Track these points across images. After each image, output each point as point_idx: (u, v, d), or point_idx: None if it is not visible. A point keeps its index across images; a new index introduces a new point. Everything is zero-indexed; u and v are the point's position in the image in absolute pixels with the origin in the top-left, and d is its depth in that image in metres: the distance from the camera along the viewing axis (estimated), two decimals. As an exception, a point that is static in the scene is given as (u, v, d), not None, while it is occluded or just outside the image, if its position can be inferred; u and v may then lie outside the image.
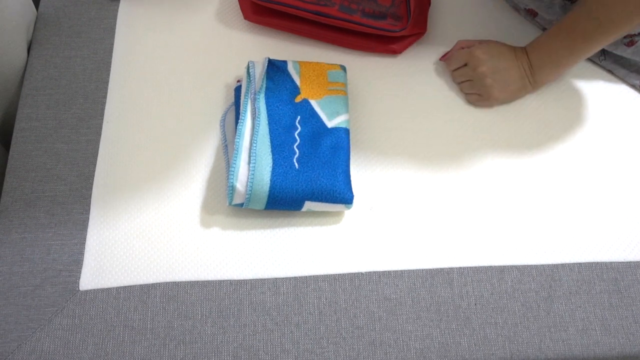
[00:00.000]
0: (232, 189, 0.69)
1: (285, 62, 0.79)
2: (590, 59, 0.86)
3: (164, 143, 0.77)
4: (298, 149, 0.73)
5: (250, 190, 0.69)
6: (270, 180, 0.69)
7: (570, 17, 0.73)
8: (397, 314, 0.68)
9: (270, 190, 0.69)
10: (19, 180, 0.74)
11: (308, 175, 0.70)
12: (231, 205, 0.71)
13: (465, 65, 0.80)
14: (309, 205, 0.70)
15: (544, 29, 0.88)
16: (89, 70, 0.82)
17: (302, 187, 0.70)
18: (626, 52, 0.82)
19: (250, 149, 0.71)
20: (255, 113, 0.74)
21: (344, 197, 0.70)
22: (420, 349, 0.67)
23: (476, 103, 0.81)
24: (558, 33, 0.75)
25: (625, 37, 0.81)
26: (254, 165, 0.70)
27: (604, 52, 0.85)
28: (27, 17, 0.85)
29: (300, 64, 0.79)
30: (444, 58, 0.84)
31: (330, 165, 0.72)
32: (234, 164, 0.70)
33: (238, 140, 0.72)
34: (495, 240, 0.73)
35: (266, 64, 0.77)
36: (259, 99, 0.75)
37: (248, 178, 0.69)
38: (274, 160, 0.71)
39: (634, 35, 0.80)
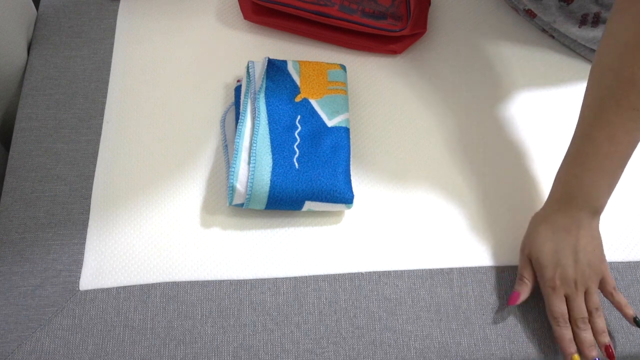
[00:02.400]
0: (232, 189, 0.69)
1: (285, 61, 0.79)
2: (589, 60, 0.86)
3: (164, 143, 0.77)
4: (298, 148, 0.73)
5: (251, 191, 0.69)
6: (271, 181, 0.69)
7: (598, 119, 0.60)
8: (397, 314, 0.68)
9: (270, 191, 0.69)
10: (19, 180, 0.74)
11: (308, 175, 0.71)
12: (231, 205, 0.71)
13: (566, 296, 0.65)
14: (309, 205, 0.70)
15: (543, 30, 0.88)
16: (89, 70, 0.82)
17: (302, 187, 0.70)
18: None
19: (250, 148, 0.71)
20: (255, 113, 0.74)
21: (345, 196, 0.70)
22: (420, 349, 0.67)
23: (611, 288, 0.66)
24: (597, 150, 0.62)
25: None
26: (254, 165, 0.70)
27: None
28: (27, 17, 0.85)
29: (300, 64, 0.79)
30: (518, 298, 0.67)
31: (330, 165, 0.72)
32: (234, 164, 0.70)
33: (238, 140, 0.72)
34: (495, 240, 0.73)
35: (266, 64, 0.77)
36: (258, 98, 0.75)
37: (248, 178, 0.69)
38: (274, 160, 0.71)
39: None
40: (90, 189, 0.74)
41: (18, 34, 0.82)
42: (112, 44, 0.85)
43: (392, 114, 0.81)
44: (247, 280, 0.69)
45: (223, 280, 0.69)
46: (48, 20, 0.87)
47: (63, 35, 0.85)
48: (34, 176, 0.74)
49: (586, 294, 0.64)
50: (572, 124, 0.81)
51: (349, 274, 0.70)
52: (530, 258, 0.67)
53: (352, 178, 0.74)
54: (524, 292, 0.67)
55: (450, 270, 0.71)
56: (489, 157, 0.78)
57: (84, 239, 0.71)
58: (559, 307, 0.64)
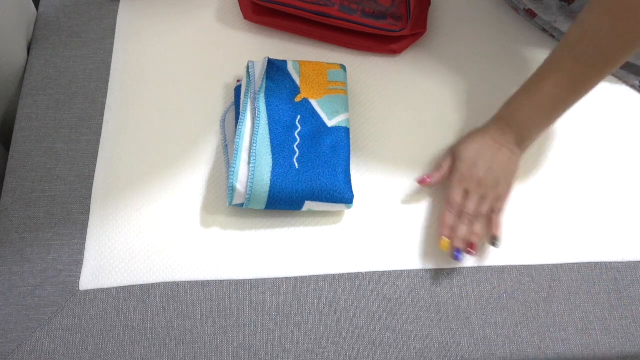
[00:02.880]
0: (232, 189, 0.69)
1: (285, 61, 0.79)
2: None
3: (164, 143, 0.77)
4: (298, 148, 0.73)
5: (251, 191, 0.69)
6: (271, 181, 0.69)
7: (552, 63, 0.67)
8: (397, 314, 0.68)
9: (270, 191, 0.69)
10: (19, 180, 0.74)
11: (308, 175, 0.71)
12: (231, 205, 0.71)
13: (466, 192, 0.71)
14: (309, 205, 0.70)
15: (543, 30, 0.88)
16: (89, 70, 0.82)
17: (302, 187, 0.70)
18: None
19: (250, 148, 0.71)
20: (255, 113, 0.74)
21: (344, 196, 0.70)
22: (420, 349, 0.67)
23: (503, 208, 0.72)
24: (540, 84, 0.68)
25: None
26: (253, 165, 0.70)
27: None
28: (27, 17, 0.85)
29: (300, 64, 0.79)
30: (425, 181, 0.74)
31: (330, 165, 0.72)
32: (234, 164, 0.70)
33: (238, 140, 0.72)
34: (495, 240, 0.73)
35: (266, 64, 0.77)
36: (258, 98, 0.75)
37: (248, 178, 0.69)
38: (274, 160, 0.71)
39: None
40: (90, 189, 0.74)
41: (18, 34, 0.82)
42: (112, 44, 0.85)
43: (392, 114, 0.81)
44: (247, 280, 0.69)
45: (223, 280, 0.69)
46: (48, 20, 0.87)
47: (63, 35, 0.85)
48: (34, 176, 0.74)
49: (480, 200, 0.71)
50: (571, 123, 0.81)
51: (349, 274, 0.70)
52: (454, 153, 0.73)
53: (352, 178, 0.74)
54: (435, 177, 0.73)
55: (450, 270, 0.71)
56: (489, 157, 0.78)
57: (84, 239, 0.71)
58: (458, 197, 0.71)
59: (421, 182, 0.74)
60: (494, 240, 0.70)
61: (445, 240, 0.70)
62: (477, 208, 0.71)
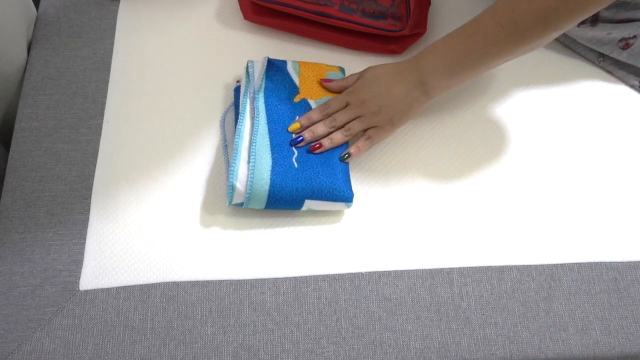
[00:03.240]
0: (232, 188, 0.69)
1: (284, 61, 0.79)
2: (589, 60, 0.87)
3: (164, 143, 0.77)
4: (297, 148, 0.73)
5: (250, 190, 0.69)
6: (270, 179, 0.69)
7: (473, 20, 0.68)
8: (397, 314, 0.68)
9: (270, 189, 0.69)
10: (19, 180, 0.74)
11: (307, 174, 0.71)
12: (231, 204, 0.71)
13: (347, 105, 0.74)
14: (309, 204, 0.70)
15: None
16: (89, 70, 0.82)
17: (301, 185, 0.70)
18: (622, 56, 0.82)
19: (249, 148, 0.71)
20: (255, 112, 0.74)
21: (344, 195, 0.70)
22: (420, 349, 0.67)
23: (375, 137, 0.74)
24: (456, 36, 0.69)
25: (620, 41, 0.81)
26: (253, 164, 0.70)
27: (602, 54, 0.85)
28: (27, 17, 0.85)
29: (299, 64, 0.79)
30: (326, 81, 0.78)
31: (329, 164, 0.72)
32: (234, 163, 0.70)
33: (237, 139, 0.72)
34: (495, 240, 0.73)
35: (265, 64, 0.77)
36: (258, 98, 0.75)
37: (248, 177, 0.69)
38: (273, 159, 0.71)
39: (629, 38, 0.80)
40: (90, 189, 0.74)
41: (18, 34, 0.82)
42: (112, 44, 0.85)
43: (392, 114, 0.81)
44: (247, 280, 0.69)
45: (223, 280, 0.69)
46: (48, 20, 0.87)
47: (63, 35, 0.85)
48: (34, 176, 0.74)
49: (356, 119, 0.73)
50: (572, 120, 0.81)
51: (349, 274, 0.70)
52: (362, 72, 0.76)
53: (351, 178, 0.74)
54: (335, 82, 0.77)
55: (450, 270, 0.71)
56: (489, 157, 0.78)
57: (84, 239, 0.71)
58: (335, 103, 0.74)
59: (323, 80, 0.77)
60: (344, 155, 0.73)
61: (296, 125, 0.73)
62: (347, 122, 0.73)
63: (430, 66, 0.71)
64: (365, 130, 0.74)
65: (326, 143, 0.73)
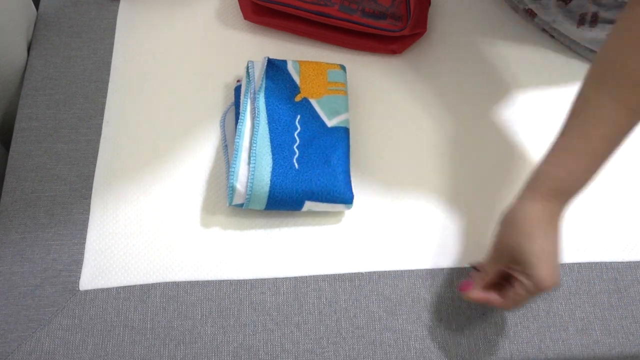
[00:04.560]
0: (232, 189, 0.69)
1: (284, 61, 0.79)
2: (589, 60, 0.86)
3: (164, 143, 0.77)
4: (298, 149, 0.73)
5: (250, 191, 0.69)
6: (270, 181, 0.69)
7: (589, 115, 0.57)
8: (397, 314, 0.68)
9: (270, 191, 0.69)
10: (19, 180, 0.74)
11: (308, 175, 0.71)
12: (231, 205, 0.71)
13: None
14: (309, 205, 0.70)
15: (543, 30, 0.88)
16: (89, 70, 0.82)
17: (302, 187, 0.70)
18: None
19: (250, 149, 0.71)
20: (255, 113, 0.74)
21: (344, 197, 0.70)
22: (420, 349, 0.67)
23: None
24: (583, 147, 0.58)
25: None
26: (254, 165, 0.70)
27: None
28: (27, 17, 0.85)
29: (300, 63, 0.79)
30: (466, 288, 0.64)
31: (330, 165, 0.72)
32: (234, 164, 0.70)
33: (238, 140, 0.72)
34: (495, 240, 0.73)
35: (265, 64, 0.77)
36: (258, 98, 0.75)
37: (248, 178, 0.69)
38: (273, 160, 0.71)
39: None
40: (90, 189, 0.74)
41: (18, 34, 0.82)
42: (112, 44, 0.85)
43: (392, 114, 0.81)
44: (247, 280, 0.69)
45: (223, 280, 0.69)
46: (48, 20, 0.87)
47: (63, 35, 0.85)
48: (34, 176, 0.74)
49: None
50: (572, 124, 0.81)
51: (349, 274, 0.70)
52: (509, 253, 0.60)
53: (352, 178, 0.74)
54: (478, 286, 0.62)
55: (450, 270, 0.71)
56: (489, 157, 0.78)
57: (84, 239, 0.71)
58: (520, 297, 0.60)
59: (462, 288, 0.64)
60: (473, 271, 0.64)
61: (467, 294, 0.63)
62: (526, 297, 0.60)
63: (569, 192, 0.60)
64: None
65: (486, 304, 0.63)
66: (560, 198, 0.60)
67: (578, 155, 0.59)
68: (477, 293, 0.62)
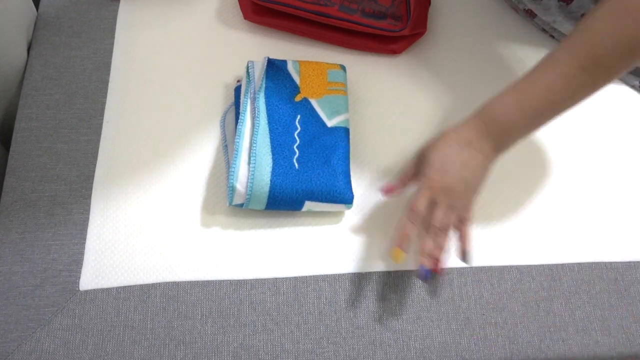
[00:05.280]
0: (232, 189, 0.69)
1: (284, 61, 0.79)
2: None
3: (164, 143, 0.77)
4: (298, 149, 0.73)
5: (250, 191, 0.69)
6: (270, 181, 0.69)
7: (544, 67, 0.61)
8: (397, 314, 0.68)
9: (270, 191, 0.69)
10: (19, 180, 0.74)
11: (308, 175, 0.71)
12: (231, 205, 0.71)
13: (433, 199, 0.65)
14: (309, 205, 0.70)
15: (543, 30, 0.88)
16: (89, 70, 0.82)
17: (302, 186, 0.70)
18: None
19: (250, 149, 0.71)
20: (255, 113, 0.74)
21: (344, 197, 0.70)
22: (420, 349, 0.67)
23: (469, 215, 0.66)
24: (528, 89, 0.62)
25: None
26: (253, 165, 0.70)
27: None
28: (27, 17, 0.85)
29: (300, 63, 0.79)
30: (390, 191, 0.70)
31: (330, 165, 0.72)
32: (234, 164, 0.70)
33: (238, 140, 0.72)
34: (495, 241, 0.73)
35: (265, 64, 0.77)
36: (258, 98, 0.75)
37: (248, 178, 0.69)
38: (273, 160, 0.71)
39: None
40: (90, 189, 0.74)
41: (18, 34, 0.82)
42: (112, 44, 0.85)
43: (392, 114, 0.81)
44: (247, 280, 0.69)
45: (223, 280, 0.69)
46: (48, 20, 0.87)
47: (63, 35, 0.85)
48: (34, 176, 0.74)
49: (447, 210, 0.64)
50: (572, 120, 0.81)
51: (349, 274, 0.70)
52: (423, 155, 0.66)
53: (351, 178, 0.74)
54: (399, 186, 0.69)
55: (450, 270, 0.71)
56: (489, 157, 0.78)
57: (84, 239, 0.71)
58: (422, 205, 0.64)
59: (386, 191, 0.69)
60: (464, 255, 0.66)
61: (399, 252, 0.64)
62: (444, 219, 0.64)
63: (509, 128, 0.64)
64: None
65: (439, 254, 0.64)
66: (491, 127, 0.64)
67: (520, 94, 0.63)
68: (394, 185, 0.69)
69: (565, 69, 0.60)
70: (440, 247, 0.64)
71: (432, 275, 0.64)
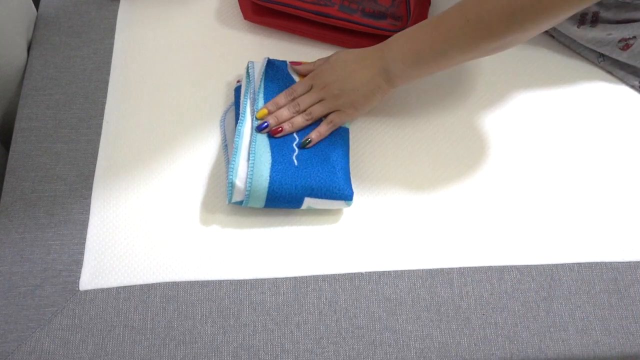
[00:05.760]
0: (231, 185, 0.69)
1: (285, 62, 0.79)
2: (589, 60, 0.87)
3: (164, 143, 0.77)
4: (297, 147, 0.73)
5: (250, 187, 0.69)
6: (270, 176, 0.69)
7: (442, 12, 0.67)
8: (397, 314, 0.68)
9: (269, 187, 0.69)
10: (19, 180, 0.74)
11: (307, 172, 0.71)
12: (231, 203, 0.71)
13: (312, 88, 0.75)
14: (308, 202, 0.70)
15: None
16: (89, 70, 0.82)
17: (301, 183, 0.70)
18: (622, 56, 0.82)
19: (249, 147, 0.71)
20: (255, 112, 0.74)
21: (344, 193, 0.70)
22: (420, 349, 0.67)
23: (336, 121, 0.74)
24: (423, 26, 0.68)
25: (620, 41, 0.81)
26: (252, 162, 0.70)
27: (602, 54, 0.85)
28: (27, 17, 0.85)
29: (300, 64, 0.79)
30: (293, 64, 0.79)
31: (329, 162, 0.72)
32: (234, 161, 0.70)
33: (237, 139, 0.72)
34: (495, 240, 0.73)
35: (265, 64, 0.78)
36: (258, 98, 0.75)
37: (247, 175, 0.69)
38: (272, 157, 0.71)
39: (629, 38, 0.80)
40: (90, 189, 0.74)
41: (18, 34, 0.82)
42: (112, 44, 0.85)
43: (392, 114, 0.81)
44: (247, 280, 0.69)
45: (223, 280, 0.69)
46: (48, 20, 0.87)
47: (63, 35, 0.85)
48: (34, 176, 0.74)
49: (319, 103, 0.74)
50: (572, 120, 0.81)
51: (349, 274, 0.70)
52: (330, 56, 0.76)
53: (351, 178, 0.74)
54: (303, 65, 0.77)
55: (450, 270, 0.71)
56: (489, 157, 0.78)
57: (84, 239, 0.71)
58: (300, 87, 0.75)
59: (291, 63, 0.78)
60: (305, 141, 0.73)
61: (263, 111, 0.74)
62: (310, 105, 0.73)
63: (394, 54, 0.70)
64: (327, 115, 0.74)
65: (287, 127, 0.73)
66: (386, 57, 0.71)
67: (411, 36, 0.69)
68: (302, 65, 0.77)
69: (452, 16, 0.65)
70: (291, 122, 0.73)
71: (267, 132, 0.73)
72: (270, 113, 0.74)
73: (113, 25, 0.86)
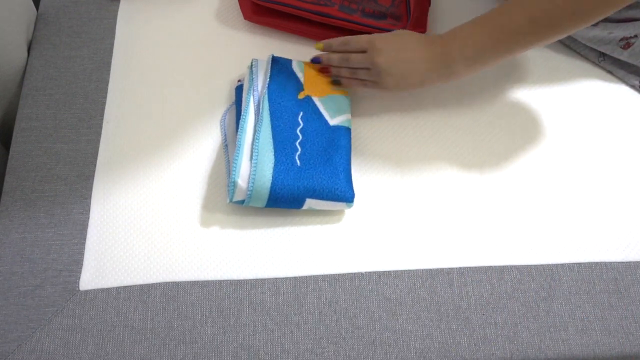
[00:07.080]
0: (233, 185, 0.69)
1: (289, 60, 0.79)
2: (589, 60, 0.87)
3: (164, 143, 0.77)
4: (300, 145, 0.73)
5: (252, 187, 0.69)
6: (272, 177, 0.69)
7: (502, 9, 0.68)
8: (397, 314, 0.68)
9: (271, 187, 0.69)
10: (19, 180, 0.74)
11: (309, 173, 0.71)
12: (232, 202, 0.71)
13: (365, 52, 0.74)
14: (309, 203, 0.70)
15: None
16: (89, 70, 0.82)
17: (303, 184, 0.70)
18: (623, 55, 0.82)
19: (252, 145, 0.71)
20: (258, 109, 0.74)
21: (345, 195, 0.70)
22: (420, 349, 0.67)
23: (371, 90, 0.77)
24: (484, 24, 0.70)
25: (620, 40, 0.81)
26: (255, 161, 0.70)
27: (602, 54, 0.85)
28: (27, 17, 0.85)
29: (304, 63, 0.79)
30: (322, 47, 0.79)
31: (331, 163, 0.72)
32: (236, 159, 0.70)
33: (240, 135, 0.72)
34: (495, 241, 0.73)
35: (270, 61, 0.78)
36: (262, 95, 0.75)
37: (250, 174, 0.69)
38: (275, 157, 0.71)
39: (630, 37, 0.80)
40: (90, 189, 0.74)
41: (18, 34, 0.82)
42: (112, 44, 0.85)
43: (392, 114, 0.81)
44: (247, 280, 0.69)
45: (223, 280, 0.69)
46: (48, 20, 0.87)
47: (63, 35, 0.85)
48: (34, 176, 0.74)
49: (366, 70, 0.74)
50: (572, 120, 0.81)
51: (349, 274, 0.70)
52: (394, 31, 0.75)
53: (352, 178, 0.74)
54: (338, 38, 0.77)
55: (450, 270, 0.71)
56: (490, 157, 0.78)
57: (84, 239, 0.71)
58: (357, 44, 0.74)
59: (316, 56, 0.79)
60: (336, 80, 0.78)
61: (320, 45, 0.78)
62: (358, 66, 0.74)
63: (458, 53, 0.70)
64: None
65: (333, 71, 0.78)
66: (447, 45, 0.71)
67: (475, 26, 0.70)
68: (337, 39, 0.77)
69: (516, 17, 0.66)
70: (338, 66, 0.76)
71: (318, 63, 0.78)
72: (325, 48, 0.78)
73: (113, 25, 0.86)
